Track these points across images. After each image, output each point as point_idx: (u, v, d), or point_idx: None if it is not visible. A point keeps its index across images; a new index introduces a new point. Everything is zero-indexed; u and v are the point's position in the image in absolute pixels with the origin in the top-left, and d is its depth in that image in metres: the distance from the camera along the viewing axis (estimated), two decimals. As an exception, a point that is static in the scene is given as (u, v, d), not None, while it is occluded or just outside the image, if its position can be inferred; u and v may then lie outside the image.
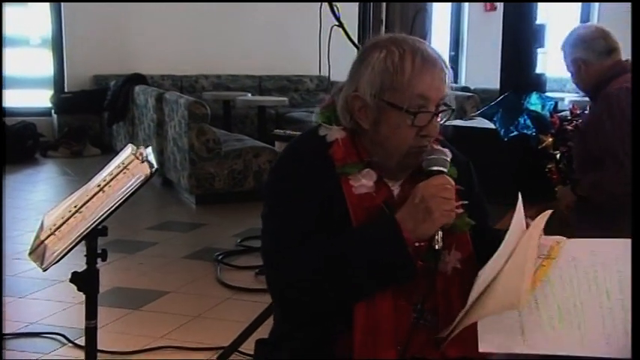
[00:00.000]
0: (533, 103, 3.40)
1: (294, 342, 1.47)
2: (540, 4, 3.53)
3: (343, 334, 1.42)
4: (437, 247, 1.38)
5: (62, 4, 7.94)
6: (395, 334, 1.41)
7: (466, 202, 1.46)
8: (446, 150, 1.50)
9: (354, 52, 3.24)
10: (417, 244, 1.41)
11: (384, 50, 1.43)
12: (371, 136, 1.46)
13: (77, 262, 1.77)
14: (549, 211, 1.45)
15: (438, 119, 1.44)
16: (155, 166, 1.70)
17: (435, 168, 1.42)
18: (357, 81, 1.45)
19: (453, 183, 1.41)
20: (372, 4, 3.16)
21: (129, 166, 1.70)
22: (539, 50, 3.46)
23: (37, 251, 1.62)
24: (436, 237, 1.38)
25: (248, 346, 2.75)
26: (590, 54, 2.72)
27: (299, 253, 1.40)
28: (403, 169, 1.48)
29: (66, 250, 1.60)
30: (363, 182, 1.44)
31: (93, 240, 1.67)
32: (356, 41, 3.20)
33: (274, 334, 1.58)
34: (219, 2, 8.25)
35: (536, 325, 1.35)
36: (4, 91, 6.89)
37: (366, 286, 1.39)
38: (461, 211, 1.45)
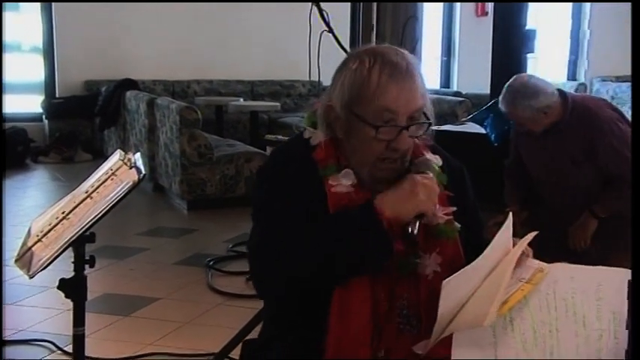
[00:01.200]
0: (523, 108, 3.40)
1: (284, 343, 1.47)
2: (530, 10, 3.54)
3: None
4: (411, 230, 1.38)
5: (53, 8, 7.93)
6: (370, 335, 1.41)
7: (454, 208, 1.47)
8: (437, 157, 1.51)
9: (341, 57, 3.26)
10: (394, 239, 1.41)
11: (357, 61, 1.42)
12: (346, 145, 1.48)
13: (66, 268, 1.76)
14: (533, 233, 1.45)
15: (408, 133, 1.42)
16: (143, 172, 1.69)
17: (423, 170, 1.45)
18: (333, 91, 1.46)
19: (437, 188, 1.43)
20: (362, 9, 3.16)
21: (117, 172, 1.69)
22: (529, 55, 3.47)
23: (24, 258, 1.61)
24: (416, 224, 1.39)
25: (238, 352, 2.74)
26: (549, 98, 2.73)
27: (282, 244, 1.41)
28: (375, 180, 1.47)
29: (53, 257, 1.58)
30: (342, 182, 1.45)
31: (80, 246, 1.65)
32: (347, 46, 3.20)
33: (263, 336, 1.59)
34: (211, 7, 8.25)
35: (510, 345, 1.34)
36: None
37: (342, 265, 1.39)
38: (450, 217, 1.45)
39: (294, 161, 1.50)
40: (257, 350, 1.57)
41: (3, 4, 7.02)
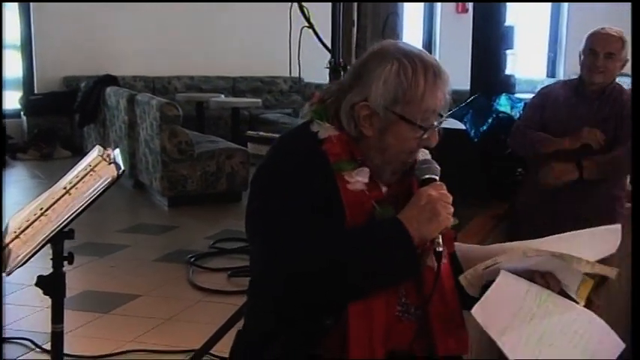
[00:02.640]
0: (503, 104, 3.43)
1: (282, 340, 1.46)
2: (509, 6, 3.57)
3: (331, 332, 1.42)
4: (439, 248, 1.43)
5: (31, 4, 7.84)
6: (386, 330, 1.44)
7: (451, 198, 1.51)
8: (426, 152, 1.53)
9: (324, 54, 3.26)
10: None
11: (396, 62, 1.45)
12: (372, 143, 1.49)
13: (45, 265, 1.74)
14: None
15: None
16: (122, 167, 1.69)
17: (430, 176, 1.48)
18: (367, 90, 1.46)
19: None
20: (343, 5, 3.16)
21: (96, 168, 1.68)
22: (508, 52, 3.49)
23: (2, 255, 1.60)
24: (437, 239, 1.44)
25: (219, 349, 2.74)
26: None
27: (303, 253, 1.40)
28: (395, 174, 1.52)
29: (30, 254, 1.57)
30: (358, 179, 1.46)
31: (59, 243, 1.64)
32: (328, 43, 3.20)
33: (257, 331, 1.54)
34: (192, 3, 8.21)
35: (519, 332, 1.44)
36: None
37: (370, 283, 1.42)
38: None
39: (302, 154, 1.48)
40: (255, 343, 1.52)
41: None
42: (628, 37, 2.87)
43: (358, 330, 1.41)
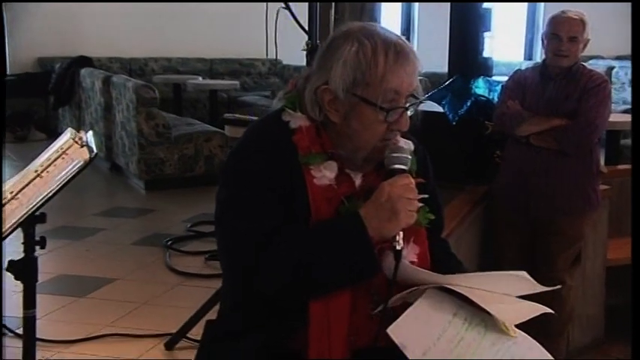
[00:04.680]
0: (480, 87, 3.43)
1: (251, 335, 1.44)
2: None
3: (300, 329, 1.40)
4: (398, 247, 1.38)
5: (3, -17, 7.68)
6: (348, 327, 1.41)
7: (426, 195, 1.45)
8: (409, 142, 1.49)
9: (302, 36, 3.23)
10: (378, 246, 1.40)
11: (356, 43, 1.39)
12: (340, 130, 1.43)
13: (17, 249, 1.71)
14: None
15: (408, 112, 1.43)
16: (95, 150, 1.66)
17: (398, 166, 1.41)
18: (328, 73, 1.41)
19: (414, 183, 1.41)
20: (321, -14, 3.13)
21: (68, 151, 1.65)
22: (486, 34, 3.48)
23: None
24: (397, 237, 1.38)
25: (196, 332, 2.73)
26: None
27: (267, 250, 1.37)
28: (368, 162, 1.46)
29: (1, 238, 1.54)
30: (325, 174, 1.42)
31: (30, 227, 1.61)
32: (304, 24, 3.17)
33: (226, 324, 1.52)
34: (168, -17, 8.10)
35: (444, 355, 1.32)
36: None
37: (330, 282, 1.38)
38: (421, 205, 1.44)
39: (272, 145, 1.44)
40: (223, 335, 1.50)
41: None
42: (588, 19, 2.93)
43: (318, 329, 1.39)
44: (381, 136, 1.42)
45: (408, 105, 1.42)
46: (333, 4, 3.23)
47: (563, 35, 2.90)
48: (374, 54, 1.38)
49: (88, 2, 7.91)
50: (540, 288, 1.41)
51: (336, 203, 1.42)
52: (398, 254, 1.37)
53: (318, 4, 3.08)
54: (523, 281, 1.40)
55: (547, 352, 1.38)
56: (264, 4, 3.14)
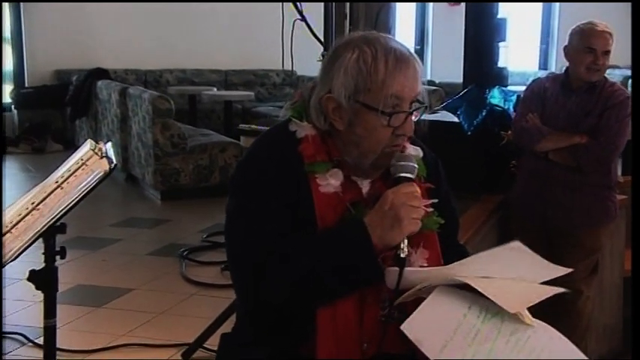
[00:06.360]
0: (495, 97, 3.43)
1: (263, 345, 1.45)
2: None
3: (310, 336, 1.41)
4: (402, 255, 1.38)
5: (22, -4, 7.78)
6: (359, 333, 1.41)
7: (436, 200, 1.46)
8: (417, 149, 1.50)
9: (318, 47, 3.25)
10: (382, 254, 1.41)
11: (357, 50, 1.41)
12: (345, 137, 1.45)
13: (37, 259, 1.73)
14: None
15: (413, 117, 1.44)
16: (114, 161, 1.68)
17: (403, 175, 1.42)
18: (331, 82, 1.43)
19: (419, 191, 1.42)
20: (336, -2, 3.15)
21: (88, 162, 1.67)
22: (500, 44, 3.49)
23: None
24: (402, 245, 1.38)
25: (213, 342, 2.74)
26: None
27: (273, 258, 1.38)
28: (376, 169, 1.48)
29: (22, 248, 1.56)
30: (331, 182, 1.43)
31: (51, 237, 1.63)
32: (320, 36, 3.19)
33: (240, 335, 1.55)
34: (184, -4, 8.17)
35: (462, 349, 1.31)
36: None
37: (334, 289, 1.39)
38: (430, 209, 1.45)
39: (278, 155, 1.45)
40: (236, 346, 1.53)
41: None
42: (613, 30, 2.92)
43: (326, 335, 1.39)
44: (386, 142, 1.43)
45: (411, 110, 1.43)
46: (348, 14, 3.25)
47: (598, 49, 2.84)
48: (374, 60, 1.40)
49: (105, 15, 8.00)
50: (551, 274, 1.39)
51: (341, 211, 1.43)
52: (401, 262, 1.38)
53: (333, 14, 3.10)
54: (536, 265, 1.37)
55: (567, 340, 1.37)
56: (280, 15, 3.16)
